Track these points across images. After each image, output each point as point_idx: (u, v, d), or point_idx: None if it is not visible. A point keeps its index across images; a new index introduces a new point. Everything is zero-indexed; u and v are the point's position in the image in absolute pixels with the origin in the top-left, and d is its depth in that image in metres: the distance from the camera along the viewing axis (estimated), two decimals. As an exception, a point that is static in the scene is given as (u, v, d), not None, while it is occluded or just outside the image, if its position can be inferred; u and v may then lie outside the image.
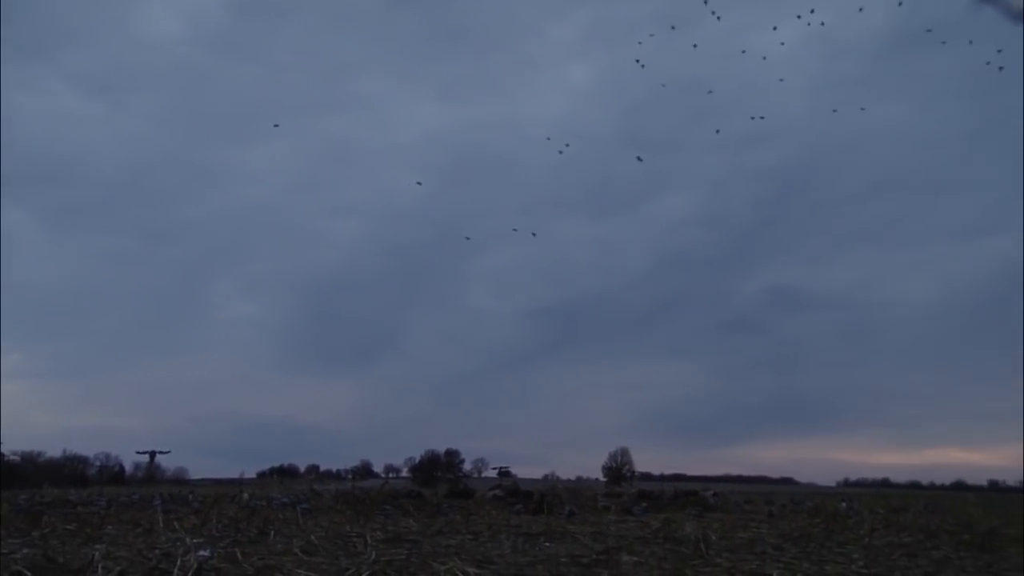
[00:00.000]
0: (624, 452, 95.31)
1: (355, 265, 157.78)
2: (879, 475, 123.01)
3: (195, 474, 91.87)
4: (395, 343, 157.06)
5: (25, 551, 8.50)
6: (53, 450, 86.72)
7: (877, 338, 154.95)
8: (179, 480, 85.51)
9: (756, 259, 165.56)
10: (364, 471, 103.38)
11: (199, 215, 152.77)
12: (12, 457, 79.89)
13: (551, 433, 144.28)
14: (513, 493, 21.30)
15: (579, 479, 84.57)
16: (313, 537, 9.82)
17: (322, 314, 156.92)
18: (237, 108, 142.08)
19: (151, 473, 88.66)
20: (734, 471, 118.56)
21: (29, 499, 19.35)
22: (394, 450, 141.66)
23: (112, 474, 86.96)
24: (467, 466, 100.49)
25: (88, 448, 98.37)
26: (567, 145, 52.38)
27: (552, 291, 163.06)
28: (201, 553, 8.16)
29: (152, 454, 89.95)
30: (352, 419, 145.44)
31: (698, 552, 9.02)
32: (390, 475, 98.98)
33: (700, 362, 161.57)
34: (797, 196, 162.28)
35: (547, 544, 9.98)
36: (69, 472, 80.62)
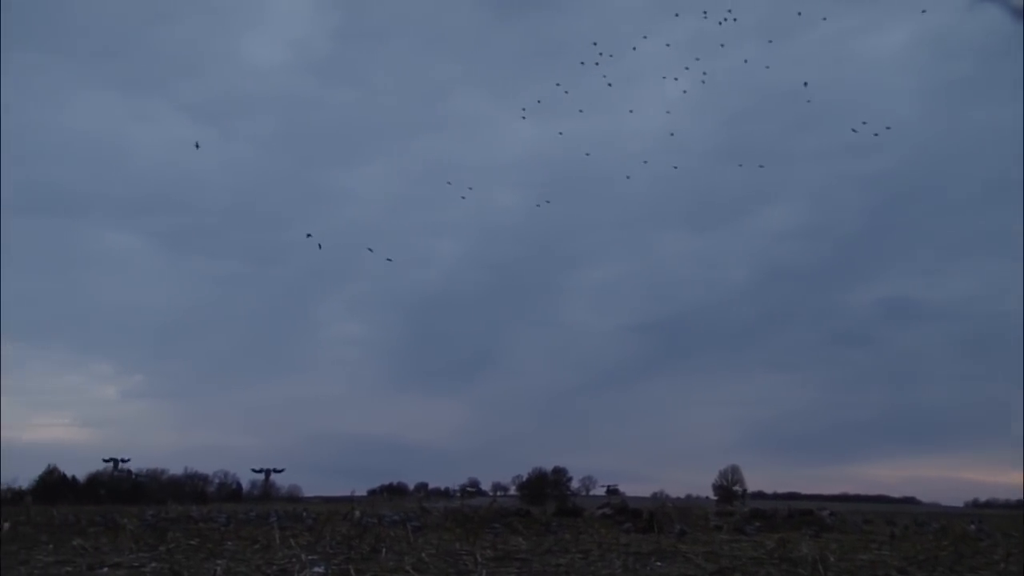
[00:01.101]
0: (734, 470, 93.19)
1: (456, 284, 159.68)
2: (1013, 496, 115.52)
3: (308, 492, 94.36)
4: (497, 360, 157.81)
5: (153, 565, 8.88)
6: (175, 468, 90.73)
7: (1000, 351, 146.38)
8: (293, 497, 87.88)
9: (866, 270, 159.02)
10: (472, 489, 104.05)
11: (304, 237, 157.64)
12: (139, 475, 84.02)
13: (658, 450, 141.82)
14: (622, 511, 21.04)
15: (688, 497, 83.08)
16: (424, 555, 9.91)
17: (425, 332, 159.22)
18: (339, 131, 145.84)
19: (267, 491, 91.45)
20: (851, 490, 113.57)
21: (155, 515, 20.21)
22: (501, 468, 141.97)
23: (230, 491, 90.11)
24: (575, 484, 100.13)
25: (207, 466, 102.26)
26: (470, 188, 52.66)
27: (654, 306, 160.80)
28: (316, 569, 8.34)
29: (267, 472, 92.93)
30: (458, 437, 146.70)
31: (816, 574, 8.69)
32: (498, 493, 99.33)
33: (809, 376, 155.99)
34: (909, 203, 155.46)
35: (658, 564, 9.80)
36: (190, 489, 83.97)
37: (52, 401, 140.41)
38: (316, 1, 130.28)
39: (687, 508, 23.19)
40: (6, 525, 16.00)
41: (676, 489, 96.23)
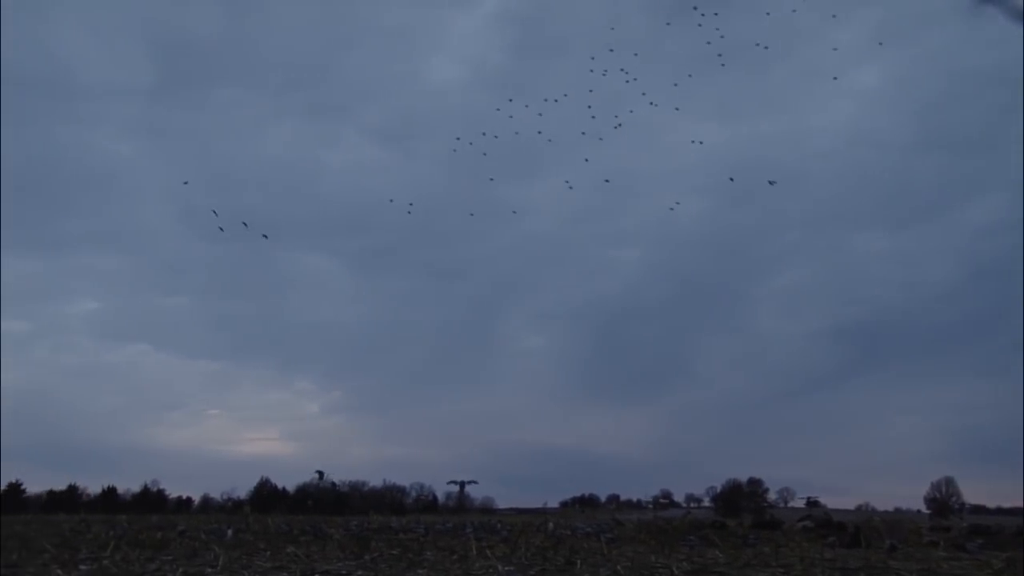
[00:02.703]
0: (949, 481, 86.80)
1: (640, 293, 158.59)
2: None
3: (501, 503, 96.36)
4: (684, 370, 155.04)
5: (359, 573, 9.24)
6: (374, 480, 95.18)
7: None
8: (487, 509, 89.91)
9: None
10: (665, 500, 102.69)
11: (486, 252, 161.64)
12: (341, 486, 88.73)
13: (860, 461, 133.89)
14: (825, 524, 19.98)
15: (897, 510, 78.21)
16: (619, 567, 9.76)
17: (609, 343, 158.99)
18: (518, 145, 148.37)
19: (461, 502, 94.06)
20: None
21: (359, 525, 21.16)
22: (693, 479, 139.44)
23: (426, 503, 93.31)
24: (771, 496, 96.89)
25: (403, 478, 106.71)
26: (411, 204, 51.40)
27: (848, 309, 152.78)
28: (513, 580, 8.39)
29: (462, 484, 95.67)
30: (648, 448, 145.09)
31: (1057, 597, 7.84)
32: (691, 505, 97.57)
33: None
34: None
35: (869, 581, 9.19)
36: (389, 500, 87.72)
37: (261, 417, 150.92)
38: (493, 18, 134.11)
39: (897, 522, 21.70)
40: (229, 532, 17.26)
41: (882, 502, 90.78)
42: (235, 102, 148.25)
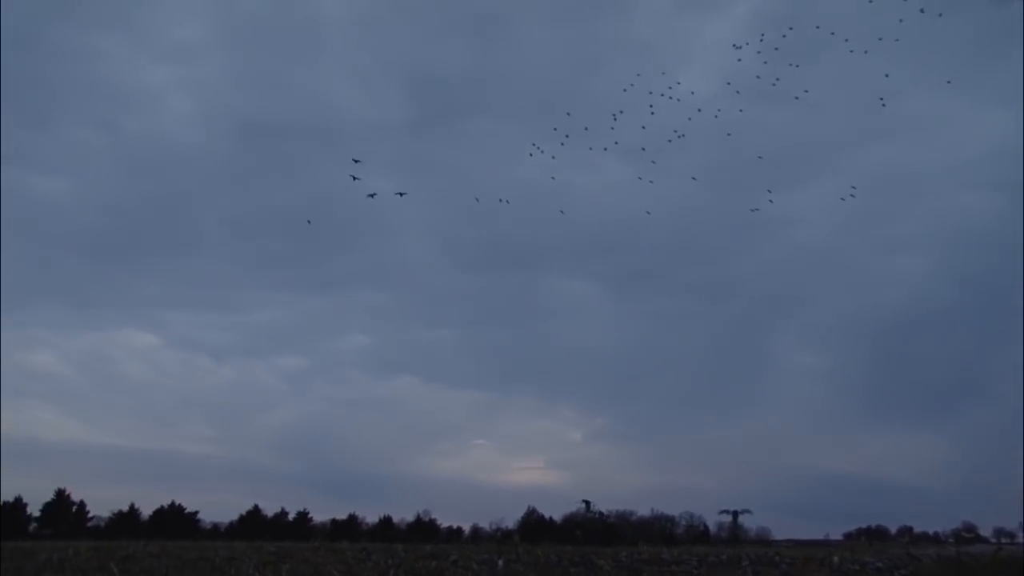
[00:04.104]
0: None
1: (924, 302, 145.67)
2: None
3: (778, 534, 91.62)
4: (985, 386, 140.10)
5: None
6: (642, 509, 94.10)
7: None
8: (762, 540, 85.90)
9: None
10: (968, 534, 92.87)
11: (751, 267, 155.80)
12: (609, 516, 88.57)
13: None
14: None
15: None
16: (929, 612, 8.41)
17: (892, 359, 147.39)
18: (780, 152, 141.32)
19: (734, 533, 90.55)
20: None
21: (629, 556, 20.56)
22: (1002, 510, 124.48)
23: (697, 533, 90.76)
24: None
25: (672, 507, 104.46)
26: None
27: None
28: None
29: (735, 513, 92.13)
30: (944, 474, 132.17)
31: None
32: (1002, 540, 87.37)
33: None
34: None
35: None
36: (658, 530, 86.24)
37: (526, 446, 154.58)
38: (743, 23, 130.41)
39: None
40: (500, 563, 17.31)
41: None
42: (489, 132, 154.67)
